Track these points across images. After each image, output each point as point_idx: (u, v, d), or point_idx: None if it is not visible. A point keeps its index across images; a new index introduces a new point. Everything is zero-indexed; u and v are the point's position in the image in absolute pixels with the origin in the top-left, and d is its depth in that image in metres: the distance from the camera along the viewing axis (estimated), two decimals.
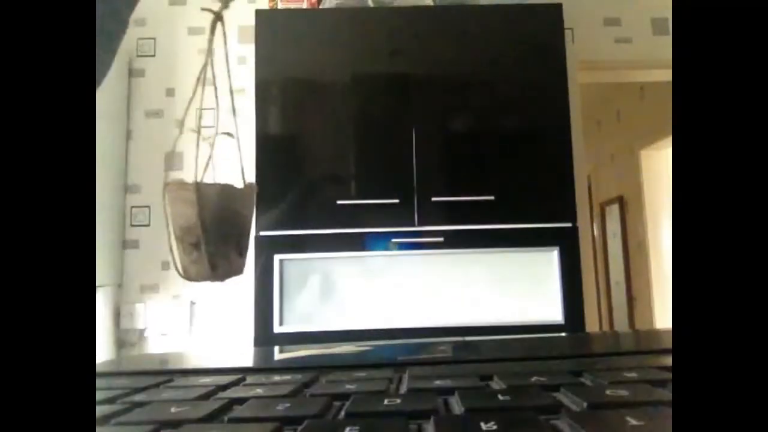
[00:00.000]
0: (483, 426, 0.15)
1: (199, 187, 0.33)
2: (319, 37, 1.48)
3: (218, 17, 0.40)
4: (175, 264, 0.35)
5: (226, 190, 0.35)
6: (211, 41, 0.40)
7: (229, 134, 0.37)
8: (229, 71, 0.38)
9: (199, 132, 0.37)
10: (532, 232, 1.37)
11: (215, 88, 0.47)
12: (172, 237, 0.35)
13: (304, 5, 1.66)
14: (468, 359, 0.30)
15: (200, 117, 0.38)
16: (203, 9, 0.40)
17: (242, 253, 0.36)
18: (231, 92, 0.39)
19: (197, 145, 0.37)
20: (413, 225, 1.38)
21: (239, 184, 0.38)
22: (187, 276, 0.36)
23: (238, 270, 0.36)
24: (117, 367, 0.34)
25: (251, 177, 1.43)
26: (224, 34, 0.40)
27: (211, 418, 0.18)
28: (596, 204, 3.81)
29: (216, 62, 0.41)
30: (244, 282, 1.62)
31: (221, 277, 0.35)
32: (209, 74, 0.40)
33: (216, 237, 0.34)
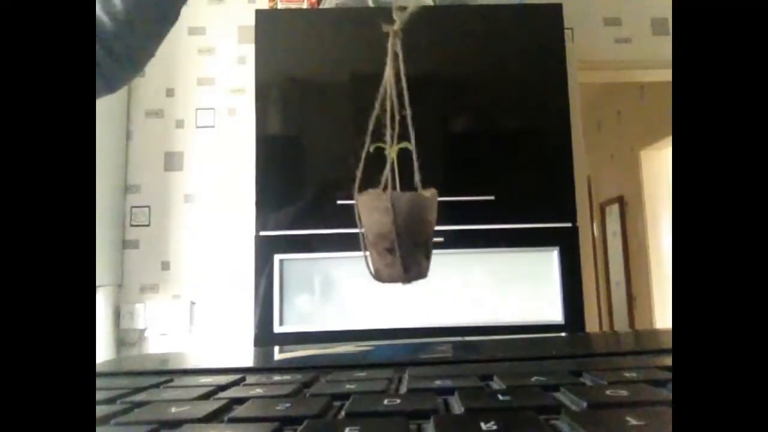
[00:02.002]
0: (483, 426, 0.15)
1: (393, 196, 0.37)
2: (319, 37, 1.48)
3: (396, 34, 0.42)
4: (368, 266, 0.39)
5: (415, 198, 0.38)
6: (394, 58, 0.41)
7: (408, 144, 0.38)
8: (404, 88, 0.39)
9: (391, 144, 0.38)
10: (532, 232, 1.37)
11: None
12: (365, 242, 0.38)
13: (304, 5, 1.66)
14: (468, 359, 0.30)
15: (396, 130, 0.40)
16: (385, 28, 0.41)
17: (428, 257, 0.39)
18: (392, 103, 0.40)
19: (388, 156, 0.38)
20: None
21: (425, 193, 0.40)
22: (379, 278, 0.38)
23: (424, 272, 0.38)
24: (117, 367, 0.34)
25: (251, 177, 1.43)
26: (399, 50, 0.41)
27: (211, 418, 0.18)
28: (596, 204, 3.81)
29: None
30: (244, 282, 1.62)
31: (412, 279, 0.37)
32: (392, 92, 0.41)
33: (408, 242, 0.37)
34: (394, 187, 0.39)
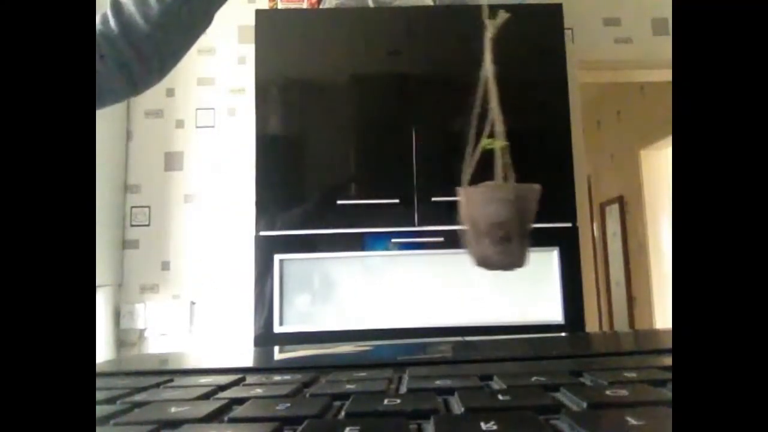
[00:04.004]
0: (483, 426, 0.15)
1: (516, 188, 0.39)
2: (319, 37, 1.48)
3: (492, 39, 0.45)
4: (470, 254, 0.41)
5: (526, 189, 0.40)
6: (488, 61, 0.44)
7: (502, 143, 0.43)
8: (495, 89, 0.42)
9: (494, 137, 0.43)
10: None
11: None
12: (474, 232, 0.40)
13: (304, 5, 1.66)
14: (468, 359, 0.30)
15: (491, 133, 0.45)
16: (488, 31, 0.45)
17: (529, 246, 0.41)
18: (480, 102, 0.43)
19: (498, 150, 0.43)
20: (413, 225, 1.38)
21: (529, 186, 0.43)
22: (489, 265, 0.41)
23: (527, 260, 0.41)
24: (117, 367, 0.34)
25: (251, 177, 1.43)
26: (491, 52, 0.45)
27: (211, 418, 0.18)
28: (596, 204, 3.81)
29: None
30: (244, 282, 1.62)
31: (521, 265, 0.40)
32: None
33: (522, 231, 0.39)
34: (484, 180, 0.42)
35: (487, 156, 0.45)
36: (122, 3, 0.52)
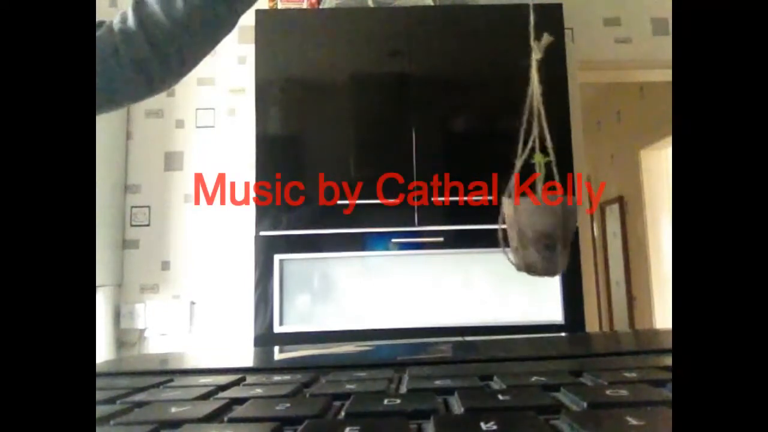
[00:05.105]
0: (483, 426, 0.15)
1: (562, 200, 0.43)
2: (319, 37, 1.48)
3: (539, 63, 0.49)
4: (514, 260, 0.45)
5: (573, 203, 0.45)
6: (535, 85, 0.48)
7: (547, 159, 0.48)
8: (541, 110, 0.50)
9: (538, 151, 0.49)
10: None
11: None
12: (521, 240, 0.44)
13: (304, 5, 1.66)
14: (468, 359, 0.30)
15: (536, 145, 0.51)
16: (535, 53, 0.49)
17: (569, 253, 0.45)
18: (538, 117, 0.50)
19: (543, 164, 0.49)
20: (413, 225, 1.38)
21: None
22: (531, 271, 0.44)
23: (567, 267, 0.45)
24: (117, 367, 0.34)
25: (251, 177, 1.43)
26: (539, 75, 0.47)
27: (211, 418, 0.18)
28: (596, 204, 3.81)
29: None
30: (244, 282, 1.62)
31: (561, 272, 0.43)
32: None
33: (566, 240, 0.43)
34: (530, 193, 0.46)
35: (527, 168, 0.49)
36: (145, 2, 0.52)
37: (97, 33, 0.51)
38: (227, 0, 0.53)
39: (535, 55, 0.48)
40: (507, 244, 0.45)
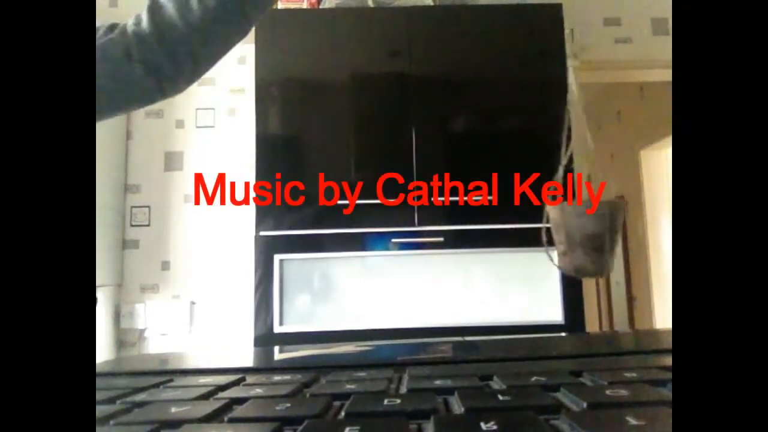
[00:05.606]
0: (483, 426, 0.15)
1: (610, 205, 0.45)
2: (319, 37, 1.48)
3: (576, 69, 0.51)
4: (562, 262, 0.46)
5: (617, 205, 0.46)
6: (575, 93, 0.49)
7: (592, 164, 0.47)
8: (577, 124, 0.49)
9: (592, 158, 0.48)
10: (532, 232, 1.36)
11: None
12: (565, 242, 0.45)
13: (304, 5, 1.66)
14: (468, 359, 0.30)
15: (570, 155, 0.52)
16: (572, 61, 0.51)
17: (615, 255, 0.47)
18: (567, 121, 0.51)
19: (590, 168, 0.48)
20: (413, 225, 1.38)
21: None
22: (579, 273, 0.45)
23: (612, 268, 0.46)
24: (117, 367, 0.34)
25: (251, 177, 1.43)
26: (577, 79, 0.52)
27: (211, 418, 0.18)
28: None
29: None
30: (244, 282, 1.62)
31: (609, 272, 0.45)
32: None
33: (612, 243, 0.44)
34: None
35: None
36: (161, 5, 0.52)
37: (111, 36, 0.51)
38: (240, 6, 0.53)
39: (573, 62, 0.51)
40: (551, 247, 0.46)
